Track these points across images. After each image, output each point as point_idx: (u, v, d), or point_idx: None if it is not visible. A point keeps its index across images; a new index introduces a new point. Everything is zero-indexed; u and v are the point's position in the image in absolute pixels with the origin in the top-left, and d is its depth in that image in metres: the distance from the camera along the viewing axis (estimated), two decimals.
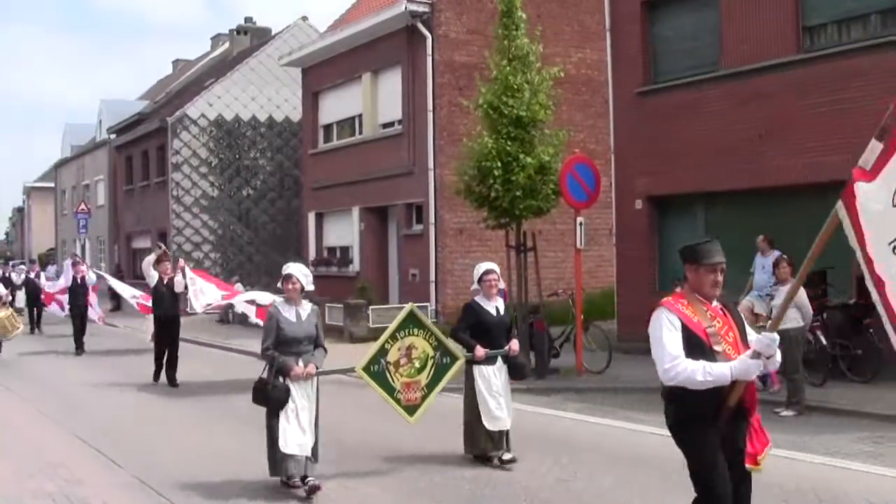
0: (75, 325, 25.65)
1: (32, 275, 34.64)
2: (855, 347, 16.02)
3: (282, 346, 9.79)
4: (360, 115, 31.99)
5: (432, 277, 27.63)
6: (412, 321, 10.71)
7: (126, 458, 11.77)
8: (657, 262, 20.68)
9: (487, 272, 11.24)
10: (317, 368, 9.93)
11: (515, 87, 17.95)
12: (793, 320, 13.92)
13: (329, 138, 34.60)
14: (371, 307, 26.80)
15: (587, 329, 18.97)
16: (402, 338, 10.56)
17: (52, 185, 71.37)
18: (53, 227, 69.75)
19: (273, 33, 49.62)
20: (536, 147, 18.07)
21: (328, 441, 10.74)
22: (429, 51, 27.71)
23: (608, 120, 22.87)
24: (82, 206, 48.84)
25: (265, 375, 9.89)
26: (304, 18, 46.06)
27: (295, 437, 9.57)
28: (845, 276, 15.94)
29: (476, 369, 11.03)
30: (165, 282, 19.35)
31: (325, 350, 10.27)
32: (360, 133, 32.02)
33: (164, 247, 20.54)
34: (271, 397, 9.65)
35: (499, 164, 17.76)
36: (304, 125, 36.75)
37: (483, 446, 10.95)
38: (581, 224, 18.43)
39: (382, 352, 10.42)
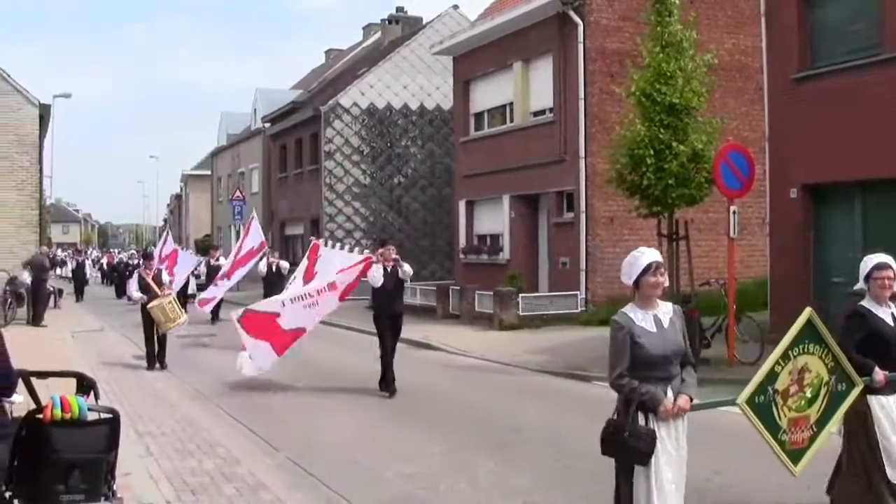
0: None
1: (213, 260, 32.99)
2: None
3: (639, 369, 6.69)
4: (511, 103, 31.97)
5: (582, 266, 27.49)
6: (809, 333, 7.72)
7: (281, 441, 12.12)
8: (812, 253, 20.20)
9: (880, 266, 8.05)
10: (691, 400, 6.83)
11: (668, 74, 17.78)
12: None
13: (480, 126, 34.67)
14: (521, 295, 26.88)
15: (739, 320, 18.67)
16: (794, 357, 7.57)
17: (209, 172, 73.16)
18: (209, 213, 71.47)
19: (424, 22, 49.95)
20: (689, 135, 17.87)
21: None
22: (580, 38, 27.54)
23: (762, 107, 22.41)
24: (237, 193, 50.07)
25: (617, 416, 6.85)
26: (455, 7, 46.21)
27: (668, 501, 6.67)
28: None
29: (872, 399, 7.94)
30: (390, 270, 16.72)
31: (695, 369, 7.26)
32: (512, 121, 32.00)
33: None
34: (634, 449, 6.60)
35: (651, 151, 17.63)
36: (456, 113, 36.93)
37: None
38: (734, 213, 18.16)
39: (771, 377, 7.42)
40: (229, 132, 65.76)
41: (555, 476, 10.04)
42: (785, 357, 7.48)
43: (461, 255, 34.88)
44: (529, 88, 30.91)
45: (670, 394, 6.71)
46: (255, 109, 57.77)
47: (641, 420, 6.64)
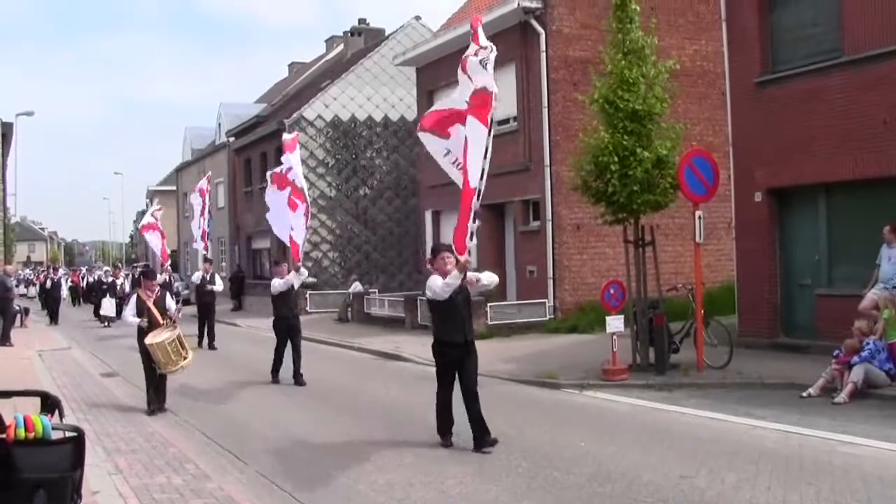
0: (280, 345, 19.87)
1: (206, 275, 28.98)
2: None
3: None
4: None
5: (550, 274, 27.54)
6: None
7: (252, 456, 12.04)
8: (778, 256, 20.32)
9: None
10: None
11: (631, 80, 17.81)
12: None
13: None
14: (489, 304, 26.86)
15: (707, 324, 18.70)
16: None
17: (174, 188, 72.90)
18: (175, 229, 71.24)
19: (387, 34, 50.08)
20: (653, 141, 17.91)
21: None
22: (542, 47, 27.62)
23: (725, 111, 22.55)
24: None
25: None
26: (418, 18, 46.38)
27: None
28: None
29: None
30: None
31: None
32: None
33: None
34: None
35: (615, 158, 17.65)
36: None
37: None
38: (700, 218, 18.20)
39: None
40: (194, 147, 65.66)
41: (526, 484, 10.02)
42: None
43: (429, 266, 34.75)
44: None
45: None
46: (219, 124, 57.71)
47: None
